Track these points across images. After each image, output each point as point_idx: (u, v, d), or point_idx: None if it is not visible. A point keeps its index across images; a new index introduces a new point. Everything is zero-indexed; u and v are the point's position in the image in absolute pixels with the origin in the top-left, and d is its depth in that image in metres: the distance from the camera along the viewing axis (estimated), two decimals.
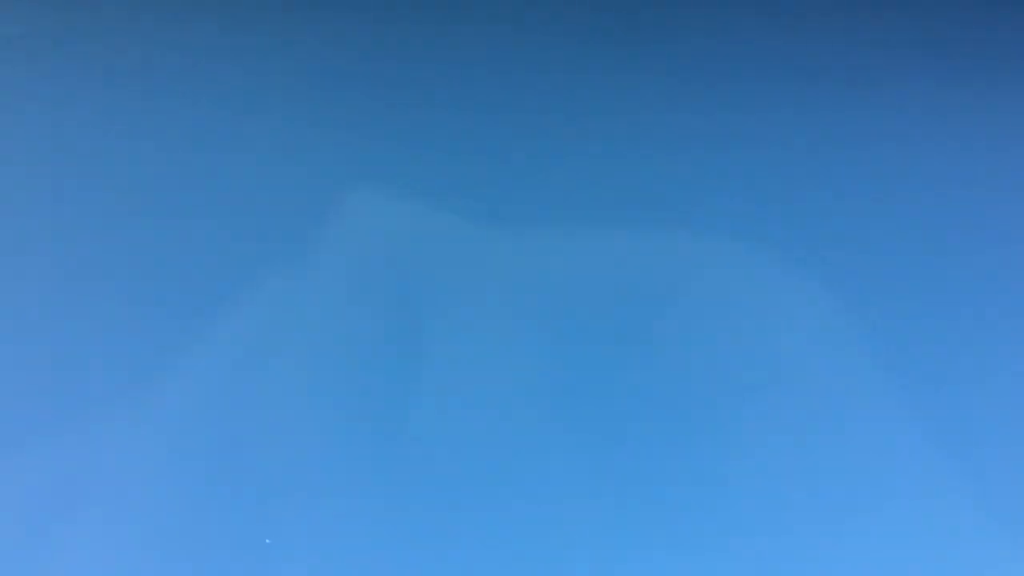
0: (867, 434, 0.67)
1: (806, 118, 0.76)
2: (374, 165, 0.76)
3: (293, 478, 0.67)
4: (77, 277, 0.73)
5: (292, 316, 0.71)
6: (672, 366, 0.69)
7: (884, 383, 0.68)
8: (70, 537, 0.65)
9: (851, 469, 0.66)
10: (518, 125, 0.77)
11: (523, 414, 0.68)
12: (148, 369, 0.70)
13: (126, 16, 0.81)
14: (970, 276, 0.71)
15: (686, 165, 0.75)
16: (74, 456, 0.67)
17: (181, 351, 0.70)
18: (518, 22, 0.80)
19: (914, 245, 0.72)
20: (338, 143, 0.76)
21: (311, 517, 0.65)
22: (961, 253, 0.72)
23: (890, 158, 0.75)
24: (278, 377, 0.69)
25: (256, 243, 0.73)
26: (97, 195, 0.75)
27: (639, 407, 0.68)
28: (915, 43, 0.78)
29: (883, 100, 0.76)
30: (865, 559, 0.64)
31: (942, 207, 0.73)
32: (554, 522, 0.65)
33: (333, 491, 0.66)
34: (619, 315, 0.71)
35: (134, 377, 0.69)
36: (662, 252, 0.73)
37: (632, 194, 0.74)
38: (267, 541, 0.64)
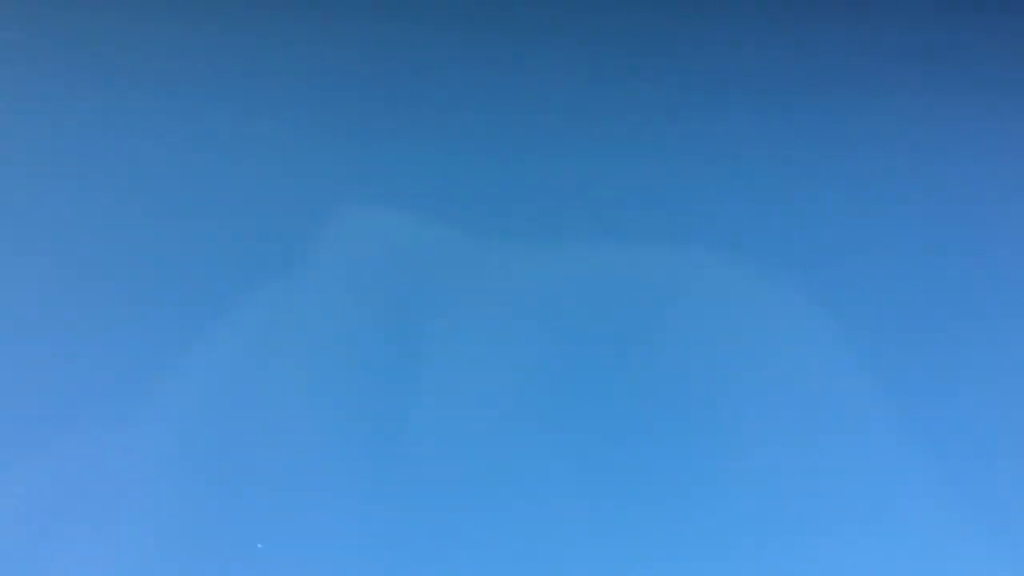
0: (866, 439, 0.67)
1: (807, 127, 0.76)
2: (373, 173, 0.76)
3: (291, 483, 0.67)
4: (76, 279, 0.73)
5: (290, 323, 0.71)
6: (671, 372, 0.69)
7: (883, 389, 0.68)
8: (68, 540, 0.65)
9: (850, 475, 0.66)
10: (517, 132, 0.76)
11: (522, 419, 0.68)
12: (145, 375, 0.69)
13: (124, 20, 0.81)
14: (970, 283, 0.71)
15: (684, 173, 0.75)
16: (71, 460, 0.67)
17: (179, 358, 0.70)
18: (518, 31, 0.79)
19: (914, 252, 0.72)
20: (337, 151, 0.76)
21: (309, 522, 0.65)
22: (961, 259, 0.72)
23: (891, 166, 0.75)
24: (276, 383, 0.69)
25: (255, 250, 0.73)
26: (94, 200, 0.75)
27: (639, 413, 0.68)
28: (916, 52, 0.78)
29: (885, 109, 0.76)
30: (865, 564, 0.64)
31: (942, 214, 0.73)
32: (553, 526, 0.65)
33: (331, 496, 0.66)
34: (618, 321, 0.71)
35: (131, 383, 0.69)
36: (661, 259, 0.72)
37: (631, 201, 0.74)
38: (259, 545, 0.64)
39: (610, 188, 0.74)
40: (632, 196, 0.74)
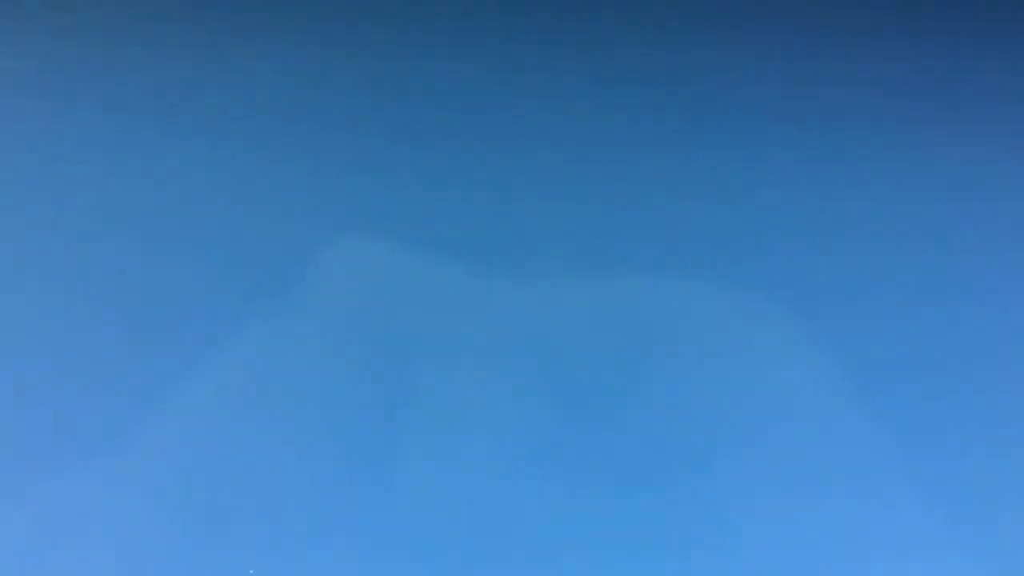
0: (861, 483, 0.66)
1: (804, 168, 0.76)
2: (363, 213, 0.76)
3: (282, 513, 0.66)
4: (54, 324, 0.72)
5: (277, 364, 0.71)
6: (666, 415, 0.69)
7: (878, 431, 0.68)
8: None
9: (847, 518, 0.65)
10: (511, 162, 0.77)
11: (514, 462, 0.68)
12: (132, 409, 0.69)
13: (117, 55, 0.81)
14: (967, 326, 0.71)
15: (679, 214, 0.75)
16: (52, 506, 0.67)
17: (161, 402, 0.69)
18: (516, 68, 0.80)
19: (920, 288, 0.72)
20: (328, 189, 0.76)
21: (300, 550, 0.65)
22: (956, 299, 0.72)
23: (890, 209, 0.75)
24: (266, 416, 0.69)
25: (241, 289, 0.73)
26: (70, 240, 0.75)
27: (633, 456, 0.68)
28: (919, 85, 0.78)
29: (885, 147, 0.77)
30: None
31: (936, 251, 0.73)
32: (545, 563, 0.64)
33: (321, 529, 0.66)
34: (612, 364, 0.70)
35: (116, 425, 0.69)
36: (656, 301, 0.72)
37: (627, 243, 0.74)
38: (250, 572, 0.64)
39: (606, 232, 0.74)
40: (630, 240, 0.74)
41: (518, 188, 0.76)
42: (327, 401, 0.70)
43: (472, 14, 0.82)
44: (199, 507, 0.66)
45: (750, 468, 0.67)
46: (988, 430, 0.67)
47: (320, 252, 0.74)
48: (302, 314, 0.72)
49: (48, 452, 0.68)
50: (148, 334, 0.71)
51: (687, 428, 0.68)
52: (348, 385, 0.70)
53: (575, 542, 0.66)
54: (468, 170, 0.77)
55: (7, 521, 0.66)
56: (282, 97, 0.80)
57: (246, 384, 0.70)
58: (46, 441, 0.69)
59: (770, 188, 0.75)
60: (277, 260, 0.74)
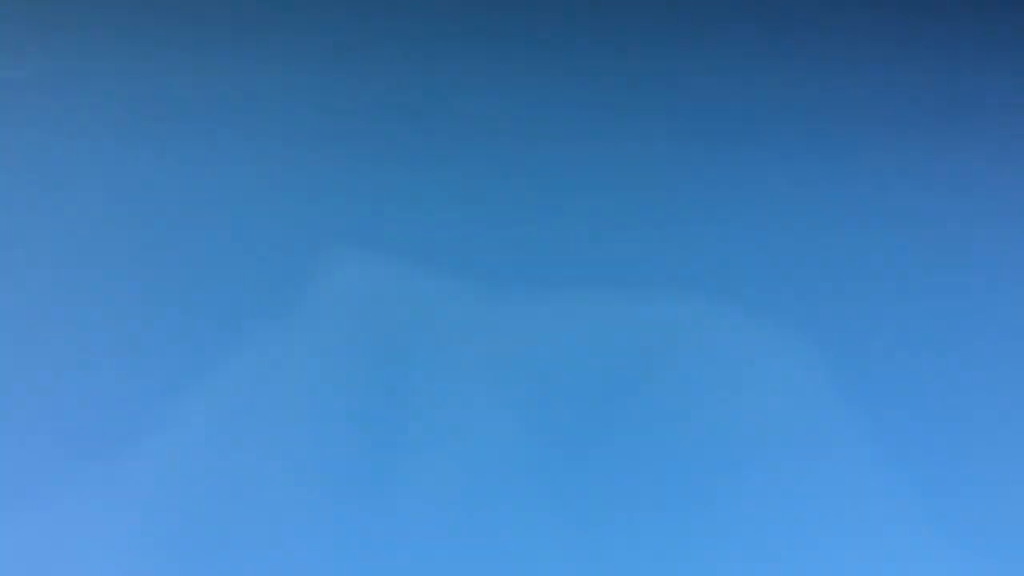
0: (860, 506, 0.66)
1: (800, 186, 0.76)
2: (362, 229, 0.76)
3: (272, 540, 0.66)
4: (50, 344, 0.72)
5: (274, 382, 0.71)
6: (663, 438, 0.68)
7: (878, 455, 0.67)
8: None
9: (847, 544, 0.65)
10: (509, 190, 0.77)
11: (511, 479, 0.67)
12: (125, 426, 0.69)
13: (111, 71, 0.81)
14: (964, 340, 0.70)
15: (676, 234, 0.75)
16: (45, 526, 0.66)
17: (158, 421, 0.69)
18: (513, 85, 0.80)
19: (921, 316, 0.72)
20: (328, 203, 0.76)
21: (297, 571, 0.64)
22: (954, 316, 0.71)
23: (886, 225, 0.75)
24: (259, 440, 0.69)
25: (242, 301, 0.73)
26: (74, 252, 0.75)
27: (629, 479, 0.67)
28: (919, 104, 0.78)
29: (882, 169, 0.77)
30: None
31: (937, 272, 0.73)
32: None
33: (313, 556, 0.65)
34: (609, 386, 0.70)
35: (113, 432, 0.69)
36: (654, 322, 0.72)
37: (624, 262, 0.74)
38: None
39: (604, 251, 0.74)
40: (627, 260, 0.74)
41: (518, 204, 0.76)
42: (323, 418, 0.69)
43: (474, 28, 0.83)
44: (194, 517, 0.66)
45: (749, 487, 0.67)
46: (996, 442, 0.67)
47: (320, 264, 0.74)
48: (301, 327, 0.72)
49: (47, 457, 0.68)
50: (148, 340, 0.71)
51: (686, 446, 0.68)
52: (343, 400, 0.70)
53: (571, 561, 0.65)
54: (467, 186, 0.77)
55: (7, 523, 0.66)
56: (283, 110, 0.80)
57: (244, 397, 0.70)
58: (45, 445, 0.68)
59: (771, 207, 0.75)
60: (280, 269, 0.74)
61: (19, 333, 0.72)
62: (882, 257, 0.73)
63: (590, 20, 0.83)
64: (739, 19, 0.82)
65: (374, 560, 0.65)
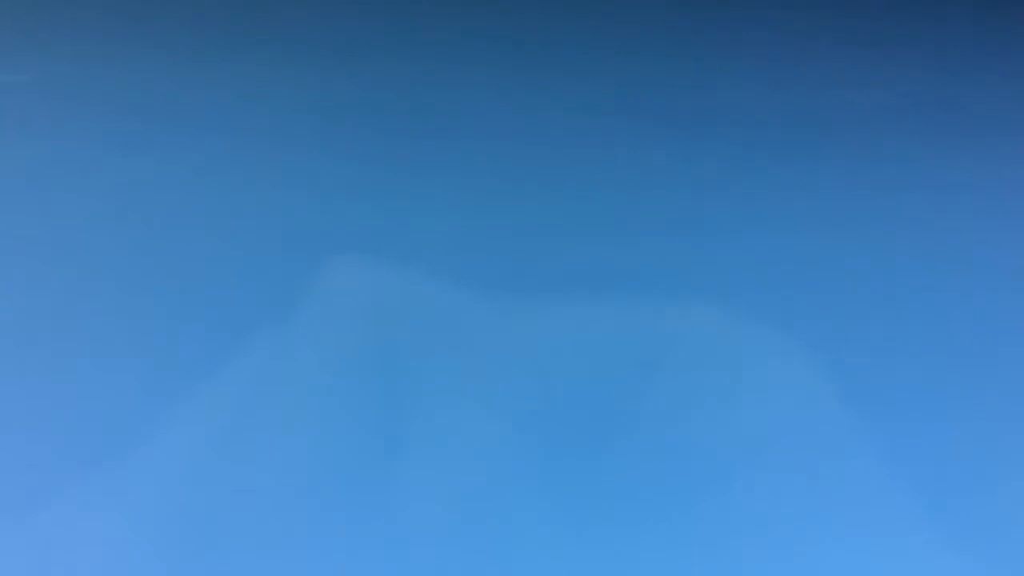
0: (863, 509, 0.66)
1: (799, 191, 0.76)
2: (361, 236, 0.76)
3: (275, 552, 0.66)
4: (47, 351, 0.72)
5: (275, 388, 0.71)
6: (663, 443, 0.68)
7: (881, 459, 0.67)
8: None
9: (852, 547, 0.65)
10: (510, 196, 0.77)
11: (511, 489, 0.67)
12: (126, 428, 0.69)
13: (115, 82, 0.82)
14: (964, 343, 0.71)
15: (677, 240, 0.75)
16: (45, 528, 0.66)
17: (155, 425, 0.69)
18: (513, 90, 0.80)
19: (910, 317, 0.72)
20: (329, 211, 0.76)
21: None
22: (955, 319, 0.71)
23: (886, 230, 0.75)
24: (260, 450, 0.69)
25: (239, 311, 0.73)
26: (72, 263, 0.75)
27: (630, 484, 0.67)
28: (923, 111, 0.78)
29: (882, 174, 0.77)
30: None
31: (937, 276, 0.73)
32: None
33: (317, 558, 0.65)
34: (610, 391, 0.70)
35: (113, 435, 0.69)
36: (654, 328, 0.72)
37: (624, 268, 0.74)
38: None
39: (605, 258, 0.74)
40: (627, 266, 0.74)
41: (519, 210, 0.76)
42: (324, 424, 0.69)
43: (475, 33, 0.83)
44: (193, 521, 0.66)
45: (750, 492, 0.67)
46: (996, 444, 0.67)
47: (320, 269, 0.74)
48: (301, 333, 0.72)
49: (47, 458, 0.68)
50: (149, 343, 0.71)
51: (686, 451, 0.68)
52: (344, 406, 0.70)
53: (572, 565, 0.65)
54: (468, 192, 0.77)
55: (7, 525, 0.66)
56: (285, 115, 0.80)
57: (244, 403, 0.70)
58: (46, 447, 0.68)
59: (771, 212, 0.75)
60: (279, 274, 0.74)
61: (21, 335, 0.72)
62: (883, 262, 0.73)
63: (593, 26, 0.83)
64: (740, 25, 0.83)
65: (375, 562, 0.65)
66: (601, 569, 0.65)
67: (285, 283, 0.74)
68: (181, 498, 0.67)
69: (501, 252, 0.75)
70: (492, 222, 0.76)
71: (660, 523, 0.66)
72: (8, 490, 0.67)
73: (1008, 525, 0.65)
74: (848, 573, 0.64)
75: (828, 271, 0.73)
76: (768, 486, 0.66)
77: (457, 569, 0.65)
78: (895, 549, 0.65)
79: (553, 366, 0.71)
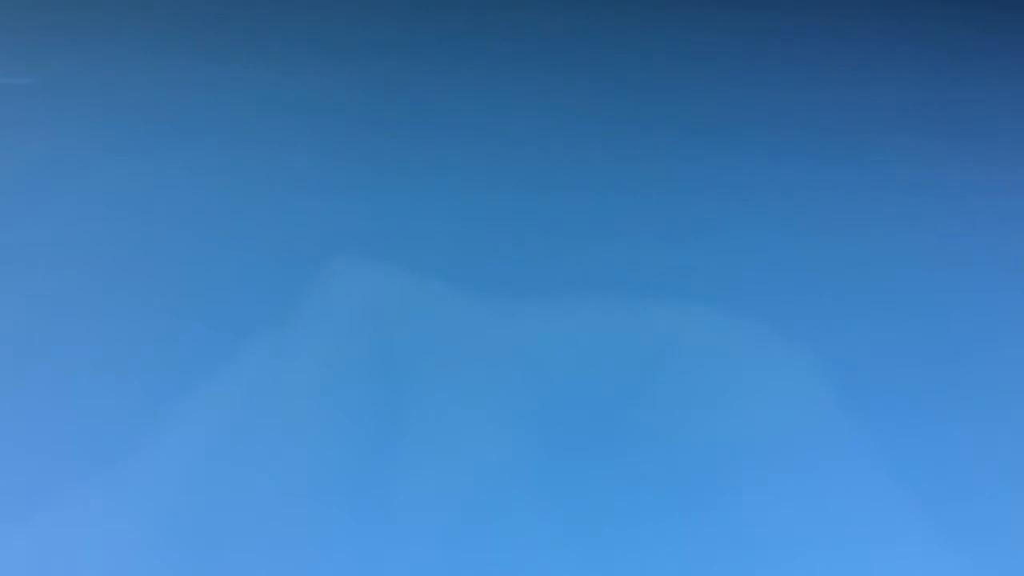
0: (864, 511, 0.66)
1: (800, 192, 0.76)
2: (361, 237, 0.76)
3: (274, 553, 0.66)
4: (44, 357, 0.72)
5: (275, 389, 0.71)
6: (664, 444, 0.68)
7: (883, 461, 0.67)
8: None
9: (851, 550, 0.65)
10: (511, 196, 0.77)
11: (510, 491, 0.67)
12: (125, 431, 0.69)
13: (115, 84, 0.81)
14: (964, 345, 0.70)
15: (678, 240, 0.75)
16: (44, 532, 0.66)
17: (155, 426, 0.69)
18: (514, 94, 0.80)
19: (911, 319, 0.72)
20: (324, 214, 0.76)
21: None
22: (955, 321, 0.71)
23: (886, 231, 0.75)
24: (259, 452, 0.69)
25: (239, 312, 0.73)
26: (73, 264, 0.75)
27: (630, 485, 0.67)
28: (921, 108, 0.78)
29: (883, 175, 0.77)
30: None
31: (937, 278, 0.73)
32: None
33: (316, 569, 0.65)
34: (610, 392, 0.70)
35: (112, 436, 0.69)
36: (654, 328, 0.72)
37: (625, 268, 0.74)
38: None
39: (605, 258, 0.74)
40: (628, 267, 0.74)
41: (519, 210, 0.76)
42: (324, 425, 0.69)
43: (476, 34, 0.83)
44: (193, 523, 0.66)
45: (751, 493, 0.66)
46: (996, 446, 0.67)
47: (321, 270, 0.74)
48: (301, 334, 0.72)
49: (47, 459, 0.68)
50: (150, 344, 0.71)
51: (686, 453, 0.68)
52: (343, 407, 0.70)
53: (572, 566, 0.65)
54: (469, 192, 0.77)
55: (7, 525, 0.66)
56: (287, 116, 0.80)
57: (244, 404, 0.70)
58: (46, 448, 0.68)
59: (772, 213, 0.75)
60: (279, 275, 0.74)
61: (21, 335, 0.72)
62: (883, 263, 0.73)
63: (594, 27, 0.83)
64: (743, 26, 0.83)
65: (375, 563, 0.65)
66: (601, 569, 0.65)
67: (285, 283, 0.74)
68: (181, 498, 0.67)
69: (501, 252, 0.75)
70: (491, 223, 0.76)
71: (660, 523, 0.66)
72: (8, 490, 0.67)
73: (1008, 526, 0.65)
74: (848, 573, 0.64)
75: (828, 271, 0.73)
76: (768, 486, 0.66)
77: (457, 569, 0.65)
78: (895, 549, 0.65)
79: (553, 366, 0.71)
